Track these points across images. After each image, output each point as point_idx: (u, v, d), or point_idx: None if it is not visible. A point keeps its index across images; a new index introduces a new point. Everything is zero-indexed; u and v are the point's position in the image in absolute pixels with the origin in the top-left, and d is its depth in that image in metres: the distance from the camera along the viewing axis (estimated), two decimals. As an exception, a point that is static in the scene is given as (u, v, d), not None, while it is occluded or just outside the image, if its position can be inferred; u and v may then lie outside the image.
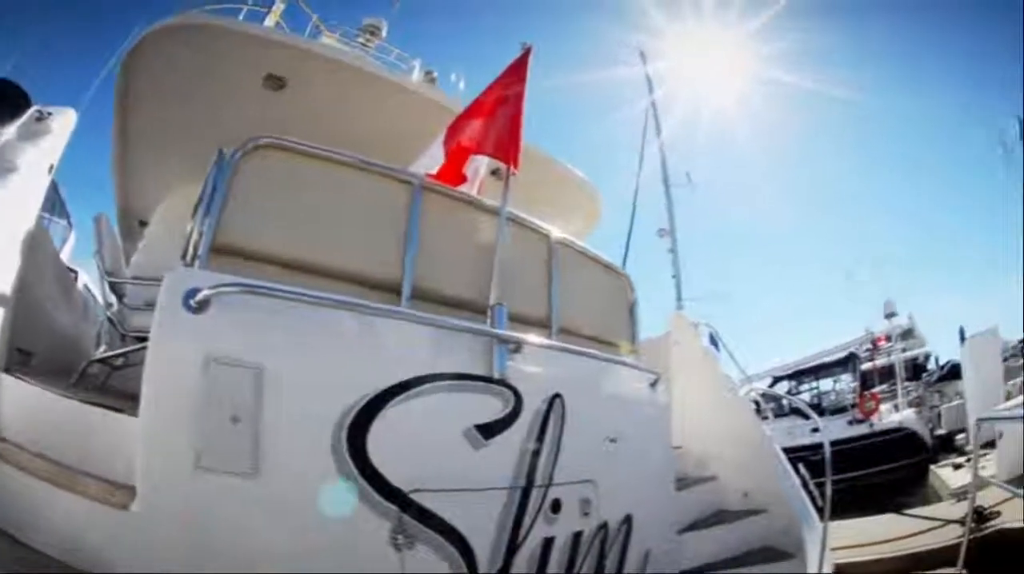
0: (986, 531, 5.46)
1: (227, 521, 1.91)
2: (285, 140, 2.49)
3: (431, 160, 3.41)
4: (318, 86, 4.78)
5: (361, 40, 7.48)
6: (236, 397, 1.91)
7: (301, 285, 2.14)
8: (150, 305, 2.02)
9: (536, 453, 2.57)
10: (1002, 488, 4.50)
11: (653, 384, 3.48)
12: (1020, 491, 4.38)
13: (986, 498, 5.88)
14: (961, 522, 5.73)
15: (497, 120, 3.21)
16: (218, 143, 2.44)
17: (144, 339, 2.00)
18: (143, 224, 6.65)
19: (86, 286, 6.65)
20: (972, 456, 4.91)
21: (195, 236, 2.25)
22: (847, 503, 6.23)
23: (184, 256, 2.27)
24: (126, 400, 2.39)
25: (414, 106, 5.03)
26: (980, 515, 5.61)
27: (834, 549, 4.58)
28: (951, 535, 6.04)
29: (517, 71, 3.24)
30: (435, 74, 7.26)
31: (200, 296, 1.89)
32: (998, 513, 5.67)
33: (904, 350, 23.49)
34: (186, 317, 1.90)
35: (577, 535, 2.73)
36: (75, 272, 6.51)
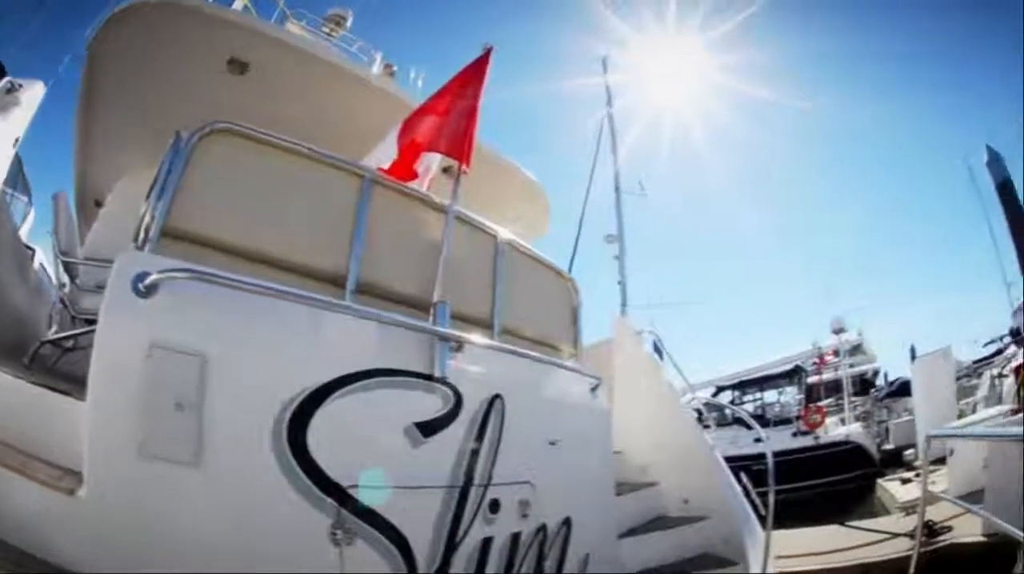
0: (938, 545, 5.61)
1: (170, 511, 1.91)
2: (241, 126, 2.48)
3: (384, 154, 3.41)
4: (279, 73, 4.74)
5: (326, 29, 7.48)
6: (180, 385, 1.90)
7: (248, 273, 2.13)
8: (101, 287, 1.99)
9: (475, 453, 2.59)
10: (955, 503, 4.65)
11: (594, 389, 3.52)
12: (974, 507, 4.49)
13: (936, 513, 6.05)
14: (911, 535, 5.86)
15: (452, 118, 3.22)
16: (178, 125, 2.42)
17: (94, 322, 1.97)
18: (99, 204, 6.55)
19: (42, 265, 6.55)
20: (921, 471, 5.04)
21: (147, 219, 2.23)
22: (791, 513, 6.37)
23: (136, 239, 2.24)
24: (75, 383, 2.36)
25: (371, 99, 5.02)
26: (931, 529, 5.76)
27: (779, 557, 4.68)
28: (901, 548, 6.18)
29: (476, 71, 3.25)
30: (395, 68, 7.28)
31: (148, 280, 1.88)
32: (950, 528, 5.83)
33: (852, 366, 23.98)
34: (134, 301, 1.88)
35: (516, 536, 2.75)
36: (32, 250, 6.40)
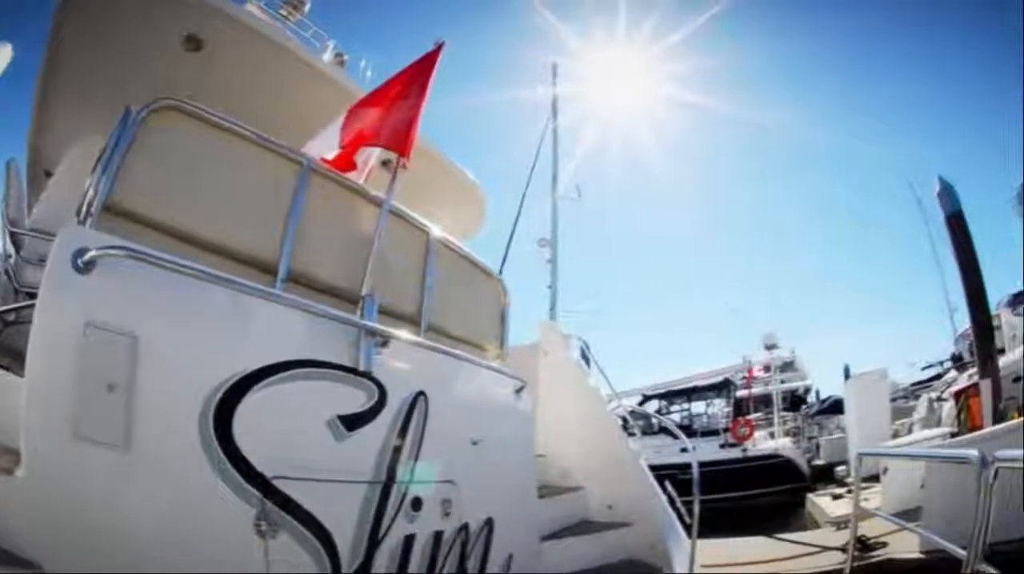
0: (872, 559, 5.85)
1: (103, 495, 1.89)
2: (188, 103, 2.48)
3: (326, 143, 3.44)
4: (232, 52, 4.67)
5: (284, 12, 7.44)
6: (112, 366, 1.89)
7: (183, 255, 2.10)
8: (45, 260, 1.97)
9: (397, 449, 2.63)
10: (891, 521, 4.84)
11: (518, 391, 3.62)
12: (910, 524, 4.67)
13: (869, 529, 6.29)
14: (843, 549, 6.12)
15: (396, 112, 3.26)
16: (132, 100, 2.40)
17: (36, 295, 1.95)
18: (49, 175, 6.41)
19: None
20: (854, 487, 5.23)
21: (91, 194, 2.21)
22: (718, 523, 6.52)
23: (79, 214, 2.21)
24: (17, 358, 2.35)
25: (318, 87, 5.00)
26: (864, 544, 6.02)
27: (704, 566, 4.83)
28: (833, 561, 6.44)
29: (425, 66, 3.31)
30: (345, 57, 7.28)
31: (87, 257, 1.86)
32: (885, 543, 6.09)
33: (783, 381, 24.70)
34: (72, 277, 1.87)
35: (438, 534, 2.81)
36: None
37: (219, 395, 2.07)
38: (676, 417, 21.26)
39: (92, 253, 1.87)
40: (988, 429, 7.09)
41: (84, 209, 2.18)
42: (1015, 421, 6.37)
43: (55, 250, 1.90)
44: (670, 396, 22.59)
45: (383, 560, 2.52)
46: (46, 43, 4.65)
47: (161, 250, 2.02)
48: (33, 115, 5.61)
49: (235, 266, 2.47)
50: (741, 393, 22.31)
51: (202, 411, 2.03)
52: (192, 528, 2.03)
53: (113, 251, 1.90)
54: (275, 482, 2.16)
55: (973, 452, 2.55)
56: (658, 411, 20.57)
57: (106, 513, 1.89)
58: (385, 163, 3.98)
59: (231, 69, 4.80)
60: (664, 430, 14.45)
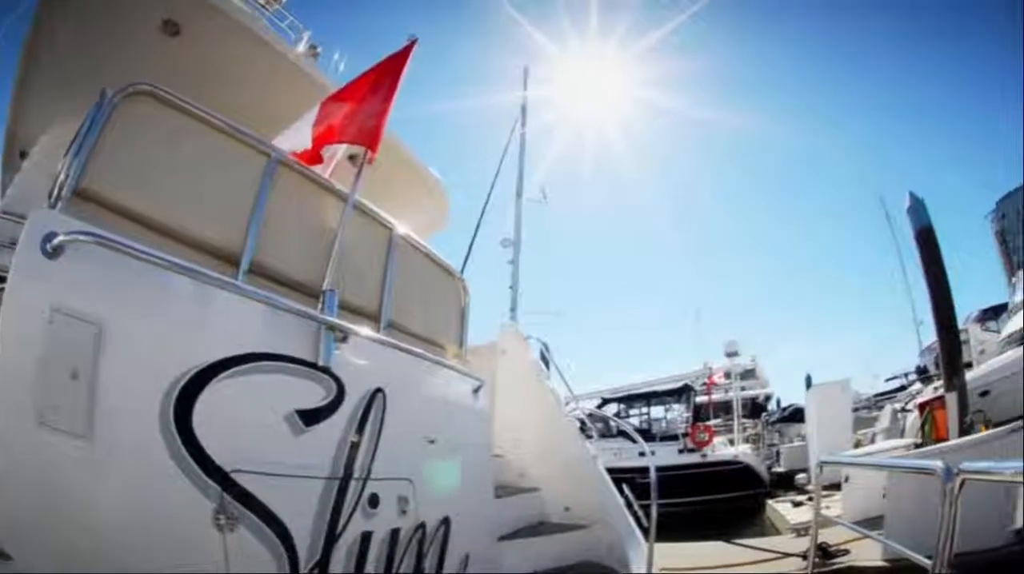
0: (834, 566, 5.96)
1: (67, 484, 1.87)
2: (162, 89, 2.47)
3: (297, 137, 3.46)
4: (209, 39, 4.68)
5: (261, 1, 7.40)
6: (76, 353, 1.88)
7: (149, 243, 2.10)
8: (15, 244, 1.94)
9: (355, 446, 2.66)
10: (853, 529, 4.93)
11: (476, 390, 3.68)
12: (872, 533, 4.77)
13: (830, 536, 6.41)
14: (804, 556, 6.24)
15: (366, 107, 3.29)
16: (109, 83, 2.38)
17: (4, 279, 1.91)
18: (24, 155, 6.32)
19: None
20: (814, 495, 5.32)
21: (62, 177, 2.20)
22: (676, 527, 6.62)
23: (50, 197, 2.19)
24: None
25: (290, 78, 5.04)
26: (826, 551, 6.13)
27: (664, 570, 4.90)
28: (793, 567, 6.56)
29: (397, 62, 3.34)
30: (319, 49, 7.26)
31: (56, 241, 1.86)
32: (846, 551, 6.20)
33: (744, 389, 24.96)
34: (41, 262, 1.86)
35: (395, 533, 2.84)
36: None
37: (180, 386, 2.07)
38: (635, 421, 21.40)
39: (60, 238, 1.86)
40: (954, 441, 7.24)
41: (55, 193, 2.18)
42: (981, 434, 6.53)
43: (24, 234, 1.89)
44: (629, 400, 22.72)
45: (340, 557, 2.54)
46: (33, 20, 4.61)
47: (128, 237, 2.02)
48: (13, 94, 5.54)
49: (199, 256, 2.47)
50: (701, 399, 22.53)
51: (163, 401, 2.03)
52: (153, 520, 2.02)
53: (81, 237, 1.89)
54: (234, 475, 2.17)
55: (938, 463, 2.60)
56: (617, 414, 20.64)
57: (70, 503, 1.87)
58: (352, 158, 4.00)
59: (207, 56, 4.78)
60: (623, 433, 14.56)
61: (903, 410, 14.32)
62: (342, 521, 2.55)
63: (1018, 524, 5.08)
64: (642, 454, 9.28)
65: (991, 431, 6.45)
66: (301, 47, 6.85)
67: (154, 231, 2.39)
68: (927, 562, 2.62)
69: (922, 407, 11.02)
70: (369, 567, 2.67)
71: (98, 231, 1.94)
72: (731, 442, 20.11)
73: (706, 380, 23.72)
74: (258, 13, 6.73)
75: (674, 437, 18.65)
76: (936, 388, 11.00)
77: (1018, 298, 14.70)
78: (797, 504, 11.48)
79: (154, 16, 4.49)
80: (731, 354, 26.19)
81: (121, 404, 1.96)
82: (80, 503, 1.89)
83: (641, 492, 4.47)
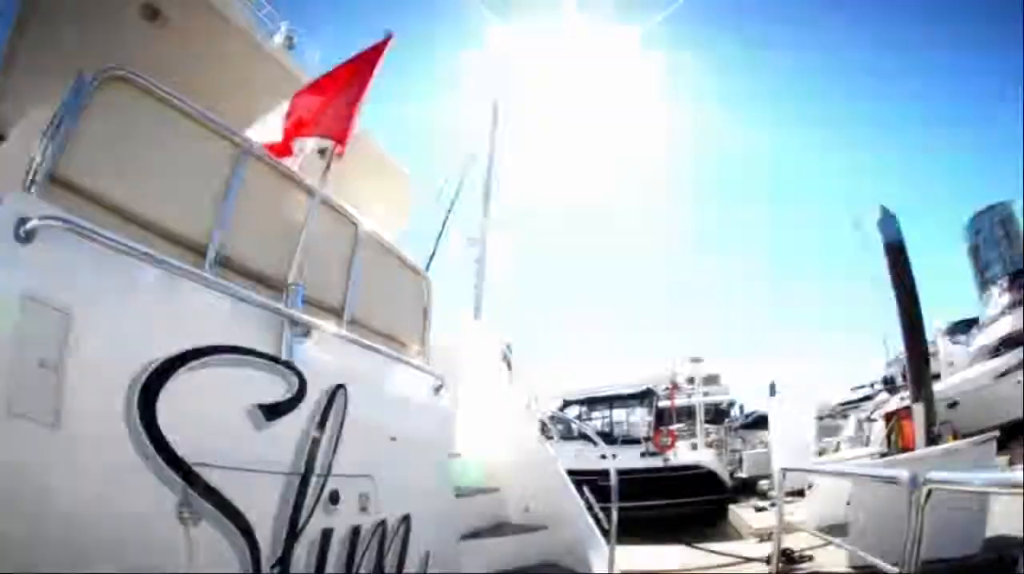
0: (797, 572, 6.09)
1: (36, 474, 1.87)
2: (137, 74, 2.48)
3: (269, 129, 3.49)
4: (186, 24, 4.60)
5: (240, -11, 7.33)
6: (45, 341, 1.89)
7: (117, 230, 2.10)
8: None
9: (316, 441, 2.68)
10: (817, 536, 5.04)
11: (438, 389, 3.73)
12: (836, 539, 4.87)
13: (792, 542, 6.57)
14: (766, 561, 6.36)
15: (339, 100, 3.34)
16: (88, 67, 2.39)
17: None
18: (2, 138, 6.22)
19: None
20: (777, 501, 5.41)
21: (37, 159, 2.19)
22: (637, 531, 6.70)
23: (25, 180, 2.17)
24: None
25: (264, 67, 5.01)
26: (789, 557, 6.26)
27: (626, 572, 4.97)
28: (756, 571, 6.69)
29: (372, 56, 3.38)
30: (295, 39, 7.23)
31: (28, 226, 1.87)
32: (810, 557, 6.36)
33: (707, 394, 25.21)
34: (13, 247, 1.87)
35: (356, 529, 2.87)
36: None
37: (144, 377, 2.08)
38: (597, 423, 21.38)
39: (33, 222, 1.88)
40: (923, 450, 7.39)
41: (30, 176, 2.17)
42: (951, 443, 6.70)
43: None
44: (591, 402, 22.59)
45: (302, 553, 2.56)
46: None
47: (99, 224, 2.03)
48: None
49: (166, 246, 2.48)
50: (664, 403, 22.69)
51: (127, 392, 2.04)
52: (118, 512, 2.02)
53: (53, 222, 1.91)
54: (197, 469, 2.18)
55: (904, 472, 2.68)
56: (578, 417, 20.66)
57: (39, 494, 1.87)
58: (321, 151, 4.01)
59: (184, 41, 4.75)
60: (584, 436, 14.64)
61: (868, 419, 14.60)
62: (303, 517, 2.57)
63: (987, 534, 5.24)
64: (603, 457, 9.34)
65: (961, 441, 6.62)
66: (279, 37, 6.81)
67: (125, 218, 2.40)
68: (893, 570, 2.70)
69: (888, 416, 11.26)
70: (330, 564, 2.69)
71: (69, 217, 1.95)
72: (694, 447, 20.24)
73: (669, 384, 23.88)
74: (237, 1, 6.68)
75: (636, 441, 18.68)
76: (903, 398, 11.21)
77: (991, 312, 15.07)
78: (759, 509, 11.67)
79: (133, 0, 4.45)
80: (695, 360, 26.41)
81: (87, 394, 1.97)
82: (48, 492, 1.88)
83: (602, 495, 4.55)
